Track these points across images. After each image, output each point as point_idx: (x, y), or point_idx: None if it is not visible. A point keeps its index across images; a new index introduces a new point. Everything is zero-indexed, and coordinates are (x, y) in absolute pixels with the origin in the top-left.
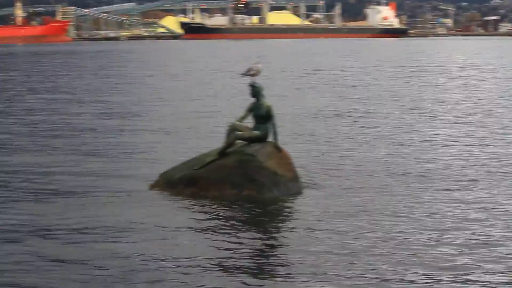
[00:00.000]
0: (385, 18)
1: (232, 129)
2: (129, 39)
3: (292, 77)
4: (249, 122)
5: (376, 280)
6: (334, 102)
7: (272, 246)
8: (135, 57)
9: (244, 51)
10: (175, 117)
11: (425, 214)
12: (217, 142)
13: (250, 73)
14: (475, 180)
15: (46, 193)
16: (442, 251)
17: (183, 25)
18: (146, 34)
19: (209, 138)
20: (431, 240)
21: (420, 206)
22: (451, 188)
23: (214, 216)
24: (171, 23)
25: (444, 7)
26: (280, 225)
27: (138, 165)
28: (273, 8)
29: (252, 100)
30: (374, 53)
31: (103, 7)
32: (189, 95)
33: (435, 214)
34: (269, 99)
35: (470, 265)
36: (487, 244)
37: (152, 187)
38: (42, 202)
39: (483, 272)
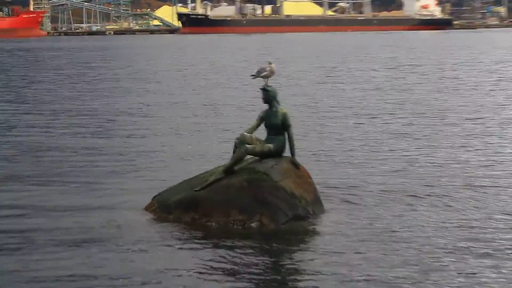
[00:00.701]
0: (424, 7)
1: (241, 142)
2: (116, 33)
3: (312, 76)
4: (261, 133)
5: None
6: (362, 111)
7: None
8: (121, 54)
9: (258, 47)
10: (172, 128)
11: (463, 237)
12: (223, 158)
13: (262, 74)
14: None
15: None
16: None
17: (181, 16)
18: (137, 27)
19: (213, 153)
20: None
21: (463, 231)
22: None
23: (221, 250)
24: (167, 14)
25: None
26: (300, 258)
27: (125, 186)
28: None
29: (264, 106)
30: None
31: None
32: (190, 101)
33: (475, 239)
34: (285, 106)
35: None
36: None
37: (143, 212)
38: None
39: None
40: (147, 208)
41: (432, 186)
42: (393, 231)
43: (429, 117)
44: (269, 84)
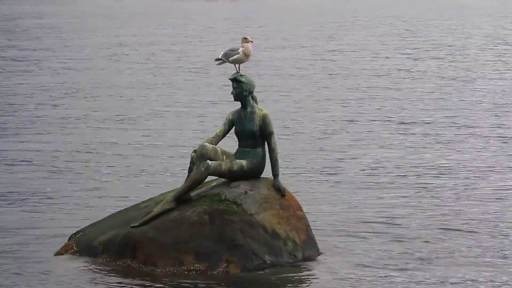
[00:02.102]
0: None
1: (200, 156)
2: None
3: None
4: (231, 144)
5: None
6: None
7: None
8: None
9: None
10: (93, 137)
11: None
12: (174, 179)
13: (231, 58)
14: None
15: None
16: None
17: None
18: None
19: (158, 172)
20: None
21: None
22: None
23: None
24: None
25: None
26: None
27: (34, 219)
28: None
29: (236, 105)
30: None
31: None
32: (130, 95)
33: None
34: (265, 104)
35: None
36: None
37: (56, 257)
38: None
39: None
40: (60, 252)
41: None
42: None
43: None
44: (242, 73)
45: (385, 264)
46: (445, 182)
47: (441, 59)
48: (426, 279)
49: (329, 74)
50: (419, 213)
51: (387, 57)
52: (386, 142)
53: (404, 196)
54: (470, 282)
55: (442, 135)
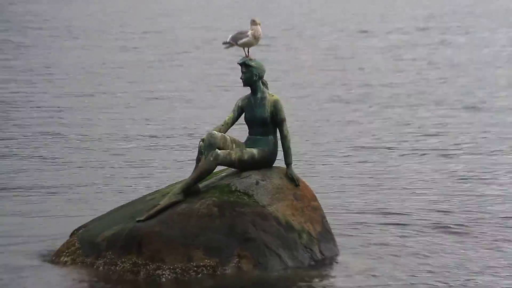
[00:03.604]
0: None
1: (208, 145)
2: None
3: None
4: (241, 132)
5: None
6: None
7: None
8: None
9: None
10: (97, 125)
11: None
12: (181, 171)
13: (240, 41)
14: None
15: None
16: None
17: None
18: None
19: (164, 163)
20: None
21: None
22: None
23: None
24: None
25: None
26: None
27: (33, 214)
28: None
29: (245, 91)
30: None
31: None
32: (137, 82)
33: None
34: (278, 90)
35: None
36: None
37: (57, 256)
38: None
39: None
40: (62, 250)
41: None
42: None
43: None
44: (252, 57)
45: (405, 259)
46: (474, 179)
47: None
48: (450, 276)
49: (340, 59)
50: (445, 208)
51: None
52: (411, 133)
53: (429, 190)
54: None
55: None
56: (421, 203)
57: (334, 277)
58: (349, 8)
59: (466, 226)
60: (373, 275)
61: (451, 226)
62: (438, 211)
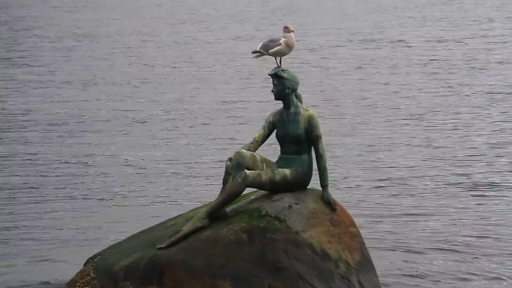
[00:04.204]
0: None
1: (236, 165)
2: None
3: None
4: (272, 151)
5: None
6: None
7: None
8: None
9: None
10: (112, 144)
11: None
12: (206, 196)
13: (271, 50)
14: None
15: None
16: None
17: None
18: None
19: (189, 185)
20: None
21: None
22: None
23: None
24: None
25: None
26: None
27: (44, 241)
28: None
29: (277, 105)
30: None
31: None
32: (149, 91)
33: None
34: (314, 104)
35: None
36: None
37: (70, 286)
38: None
39: None
40: (76, 280)
41: None
42: None
43: None
44: (284, 68)
45: None
46: None
47: None
48: None
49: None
50: (492, 230)
51: None
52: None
53: (475, 211)
54: None
55: None
56: (469, 229)
57: None
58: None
59: None
60: None
61: (504, 254)
62: (489, 237)
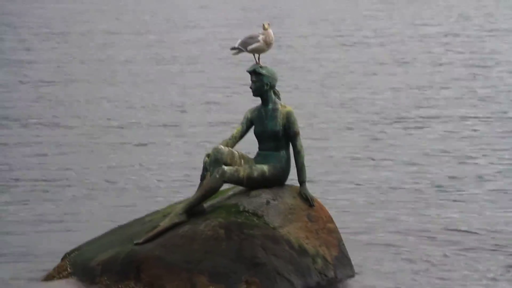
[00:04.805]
0: None
1: (214, 161)
2: None
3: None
4: (250, 147)
5: None
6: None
7: None
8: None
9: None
10: (91, 138)
11: None
12: (183, 191)
13: (250, 47)
14: None
15: None
16: None
17: None
18: None
19: (166, 181)
20: None
21: None
22: None
23: None
24: None
25: None
26: None
27: (19, 235)
28: None
29: (255, 101)
30: None
31: None
32: (121, 97)
33: None
34: (291, 101)
35: None
36: None
37: (47, 280)
38: None
39: None
40: (52, 275)
41: None
42: None
43: None
44: (263, 64)
45: (427, 282)
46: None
47: None
48: None
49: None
50: (465, 227)
51: None
52: (427, 148)
53: (450, 209)
54: None
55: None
56: (443, 221)
57: None
58: None
59: (490, 247)
60: None
61: (473, 246)
62: (460, 230)
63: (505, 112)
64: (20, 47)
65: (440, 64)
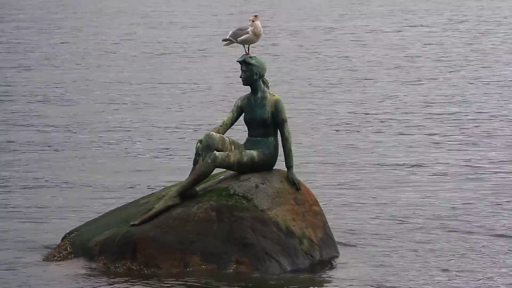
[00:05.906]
0: None
1: (206, 146)
2: None
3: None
4: (240, 133)
5: None
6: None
7: None
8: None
9: None
10: (88, 124)
11: None
12: (177, 174)
13: (240, 38)
14: None
15: None
16: None
17: None
18: None
19: (161, 165)
20: None
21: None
22: None
23: None
24: None
25: None
26: None
27: (21, 217)
28: None
29: (244, 90)
30: None
31: None
32: (127, 86)
33: None
34: (279, 89)
35: None
36: None
37: (48, 260)
38: None
39: None
40: (53, 254)
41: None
42: None
43: None
44: (252, 54)
45: (409, 265)
46: (474, 178)
47: None
48: (452, 280)
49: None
50: (445, 212)
51: None
52: (411, 136)
53: (430, 193)
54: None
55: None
56: (427, 208)
57: (334, 283)
58: None
59: (469, 230)
60: (375, 281)
61: (456, 230)
62: (443, 217)
63: None
64: None
65: None
